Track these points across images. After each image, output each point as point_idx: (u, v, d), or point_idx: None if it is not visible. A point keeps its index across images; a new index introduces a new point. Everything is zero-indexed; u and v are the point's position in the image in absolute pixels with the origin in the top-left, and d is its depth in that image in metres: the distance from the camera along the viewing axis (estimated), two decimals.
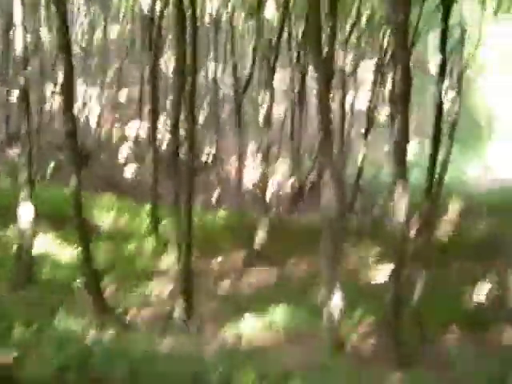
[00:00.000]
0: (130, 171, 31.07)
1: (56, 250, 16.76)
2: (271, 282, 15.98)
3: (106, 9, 33.97)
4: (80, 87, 33.67)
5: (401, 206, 8.75)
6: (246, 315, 12.23)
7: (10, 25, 24.53)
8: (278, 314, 12.11)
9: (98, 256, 17.22)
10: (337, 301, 9.31)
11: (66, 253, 16.94)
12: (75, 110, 32.11)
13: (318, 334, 11.04)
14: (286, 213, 25.25)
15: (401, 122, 8.65)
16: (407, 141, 8.89)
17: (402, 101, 8.70)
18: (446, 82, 15.63)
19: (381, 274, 16.69)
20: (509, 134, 32.46)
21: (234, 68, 19.18)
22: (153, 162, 21.17)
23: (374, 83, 24.03)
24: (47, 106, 31.17)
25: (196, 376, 6.63)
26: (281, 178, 29.66)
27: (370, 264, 17.73)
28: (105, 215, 21.52)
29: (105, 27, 33.44)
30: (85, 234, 10.23)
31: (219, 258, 18.22)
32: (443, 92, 15.24)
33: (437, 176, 15.82)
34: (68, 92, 10.30)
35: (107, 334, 9.64)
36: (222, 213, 23.98)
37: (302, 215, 24.59)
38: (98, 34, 35.05)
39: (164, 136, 25.57)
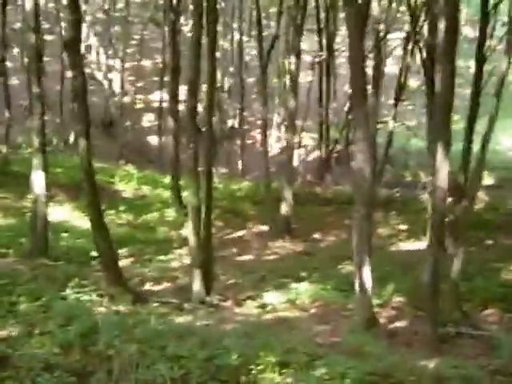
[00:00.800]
0: (153, 140, 30.35)
1: (73, 219, 16.13)
2: (297, 254, 15.12)
3: None
4: (103, 56, 33.05)
5: (443, 171, 7.79)
6: (270, 288, 11.44)
7: None
8: (304, 287, 11.26)
9: (117, 226, 16.71)
10: (368, 274, 8.43)
11: (83, 222, 16.37)
12: (100, 78, 31.90)
13: (347, 309, 10.24)
14: (312, 184, 24.33)
15: (445, 77, 7.61)
16: (452, 99, 7.89)
17: (446, 54, 7.65)
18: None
19: (410, 247, 15.80)
20: None
21: (259, 32, 18.07)
22: (173, 132, 20.33)
23: (405, 49, 22.76)
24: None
25: (210, 358, 5.83)
26: (307, 148, 28.72)
27: (399, 238, 16.76)
28: (126, 185, 20.88)
29: None
30: (96, 200, 9.43)
31: (243, 229, 17.44)
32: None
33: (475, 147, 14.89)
34: (74, 46, 9.41)
35: (119, 308, 8.93)
36: (246, 182, 23.17)
37: (328, 186, 23.67)
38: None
39: None
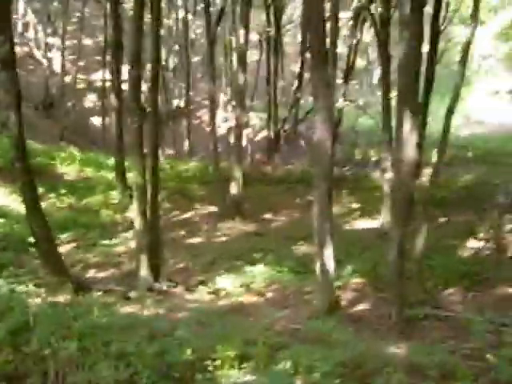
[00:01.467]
0: (96, 121, 29.12)
1: (10, 202, 15.02)
2: (248, 235, 14.40)
3: None
4: (41, 34, 31.47)
5: (410, 143, 7.16)
6: (222, 272, 10.72)
7: None
8: (259, 270, 10.58)
9: (58, 209, 15.67)
10: (330, 255, 7.80)
11: (21, 207, 15.30)
12: (39, 57, 30.32)
13: (305, 292, 9.61)
14: (261, 163, 23.65)
15: (412, 39, 6.92)
16: (419, 63, 7.28)
17: (413, 12, 6.91)
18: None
19: (364, 226, 15.30)
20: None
21: (206, 6, 17.04)
22: (116, 112, 19.22)
23: (355, 24, 22.16)
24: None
25: (160, 353, 5.09)
26: (255, 127, 28.01)
27: (352, 216, 16.24)
28: (68, 167, 19.75)
29: None
30: (30, 180, 8.46)
31: (191, 211, 16.63)
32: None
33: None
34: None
35: (58, 299, 8.08)
36: (193, 163, 22.33)
37: (278, 166, 23.03)
38: None
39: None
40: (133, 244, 11.28)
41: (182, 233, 14.53)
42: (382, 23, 14.01)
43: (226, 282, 9.88)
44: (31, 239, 10.49)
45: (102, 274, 11.04)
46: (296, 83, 25.83)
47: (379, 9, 15.08)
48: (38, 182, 17.15)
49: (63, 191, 16.71)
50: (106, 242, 13.25)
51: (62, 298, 8.53)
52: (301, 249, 12.76)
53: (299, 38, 32.09)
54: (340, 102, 23.03)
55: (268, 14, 24.23)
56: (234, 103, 18.50)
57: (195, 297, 9.54)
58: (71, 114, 27.99)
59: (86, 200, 16.58)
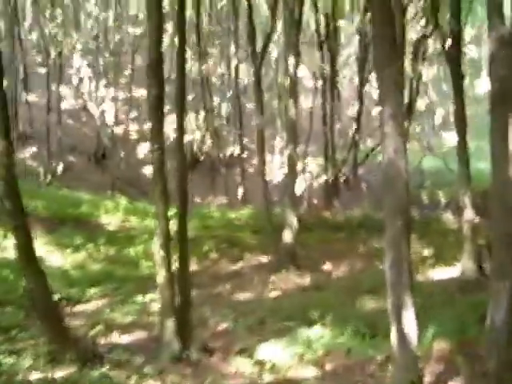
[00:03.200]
0: (148, 171, 27.64)
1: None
2: (304, 289, 12.10)
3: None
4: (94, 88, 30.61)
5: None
6: (271, 336, 8.49)
7: None
8: (316, 333, 8.30)
9: (94, 261, 13.87)
10: (412, 318, 5.53)
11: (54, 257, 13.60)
12: (92, 109, 29.45)
13: (375, 362, 7.29)
14: (319, 209, 21.37)
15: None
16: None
17: None
18: None
19: (441, 275, 12.79)
20: None
21: (253, 51, 15.05)
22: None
23: (415, 59, 20.04)
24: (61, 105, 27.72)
25: None
26: (313, 173, 25.87)
27: (426, 264, 13.71)
28: (111, 216, 18.02)
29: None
30: (23, 223, 6.53)
31: (240, 261, 14.47)
32: None
33: None
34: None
35: (57, 373, 6.10)
36: (245, 210, 20.26)
37: (337, 211, 20.72)
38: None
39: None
40: None
41: (229, 287, 12.35)
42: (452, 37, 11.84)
43: (274, 351, 7.61)
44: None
45: (127, 338, 8.96)
46: (354, 125, 23.74)
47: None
48: (77, 231, 15.97)
49: (101, 241, 14.88)
50: (140, 298, 11.20)
51: (62, 373, 6.53)
52: (367, 304, 10.40)
53: (356, 81, 30.28)
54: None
55: (322, 51, 22.27)
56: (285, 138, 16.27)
57: (234, 369, 7.33)
58: (122, 164, 26.60)
59: (125, 251, 14.68)
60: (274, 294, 11.78)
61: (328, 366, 7.30)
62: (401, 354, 5.68)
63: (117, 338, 8.86)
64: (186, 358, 7.30)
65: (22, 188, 7.31)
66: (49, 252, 13.77)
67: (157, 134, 7.93)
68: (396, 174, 5.61)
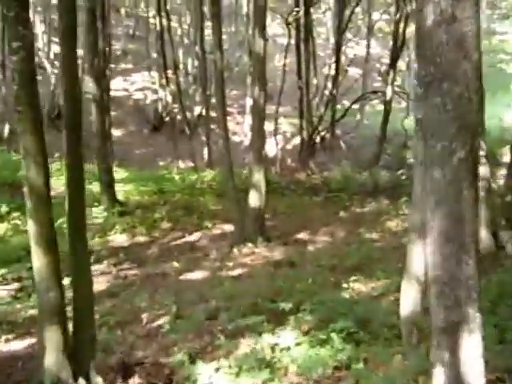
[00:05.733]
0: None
1: None
2: (274, 265, 9.16)
3: None
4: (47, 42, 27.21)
5: None
6: (224, 342, 5.61)
7: None
8: (286, 339, 5.43)
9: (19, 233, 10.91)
10: (476, 343, 2.69)
11: None
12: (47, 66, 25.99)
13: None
14: (293, 170, 18.44)
15: None
16: None
17: None
18: None
19: None
20: None
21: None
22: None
23: None
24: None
25: None
26: (286, 134, 22.89)
27: None
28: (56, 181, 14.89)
29: None
30: None
31: (198, 231, 11.52)
32: None
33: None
34: None
35: None
36: (209, 172, 17.28)
37: (313, 172, 17.82)
38: None
39: None
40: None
41: (179, 264, 9.41)
42: None
43: (223, 372, 4.73)
44: None
45: (14, 345, 6.02)
46: (330, 83, 20.70)
47: None
48: (5, 197, 12.98)
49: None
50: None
51: None
52: (355, 288, 7.56)
53: (331, 40, 27.31)
54: (389, 90, 17.91)
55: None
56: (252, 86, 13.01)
57: None
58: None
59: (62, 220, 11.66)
60: (235, 272, 8.84)
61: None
62: None
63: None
64: None
65: None
66: None
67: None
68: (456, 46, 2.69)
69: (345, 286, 7.58)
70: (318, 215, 12.85)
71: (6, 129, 21.64)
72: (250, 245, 10.19)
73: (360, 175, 16.42)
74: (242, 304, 6.84)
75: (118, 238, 10.95)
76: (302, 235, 11.17)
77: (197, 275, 8.78)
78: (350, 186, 15.55)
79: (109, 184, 12.57)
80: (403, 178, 15.82)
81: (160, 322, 6.60)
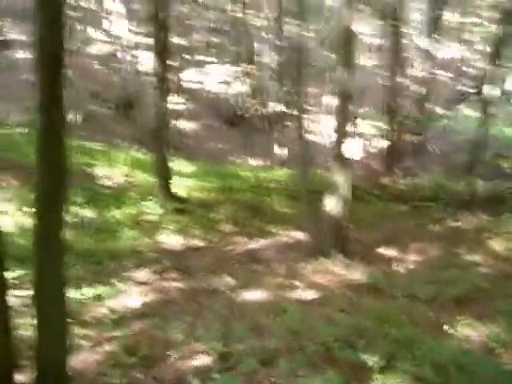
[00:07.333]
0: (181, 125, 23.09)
1: None
2: (354, 289, 7.12)
3: None
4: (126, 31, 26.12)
5: None
6: None
7: None
8: None
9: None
10: None
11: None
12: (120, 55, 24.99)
13: None
14: (377, 174, 16.16)
15: None
16: None
17: None
18: None
19: None
20: None
21: None
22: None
23: None
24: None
25: None
26: (370, 138, 20.65)
27: None
28: (113, 170, 13.39)
29: None
30: None
31: (262, 237, 9.59)
32: None
33: None
34: None
35: None
36: (283, 172, 15.37)
37: (399, 181, 15.49)
38: None
39: None
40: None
41: (234, 279, 7.50)
42: None
43: None
44: None
45: None
46: (422, 87, 18.44)
47: None
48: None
49: (80, 200, 10.28)
50: (88, 291, 6.50)
51: None
52: (464, 333, 5.42)
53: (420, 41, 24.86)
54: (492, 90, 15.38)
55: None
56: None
57: None
58: (148, 115, 22.05)
59: (110, 213, 10.04)
60: (303, 295, 6.86)
61: None
62: None
63: None
64: None
65: None
66: None
67: None
68: None
69: (448, 328, 5.45)
70: (406, 227, 10.69)
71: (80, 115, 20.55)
72: (324, 260, 8.17)
73: (455, 184, 14.04)
74: (309, 347, 4.87)
75: (170, 240, 9.19)
76: (387, 251, 9.05)
77: (255, 295, 6.85)
78: (442, 195, 13.23)
79: (164, 177, 10.89)
80: (501, 189, 13.36)
81: (197, 362, 4.74)
